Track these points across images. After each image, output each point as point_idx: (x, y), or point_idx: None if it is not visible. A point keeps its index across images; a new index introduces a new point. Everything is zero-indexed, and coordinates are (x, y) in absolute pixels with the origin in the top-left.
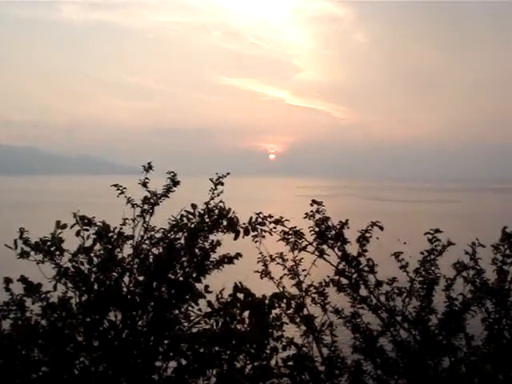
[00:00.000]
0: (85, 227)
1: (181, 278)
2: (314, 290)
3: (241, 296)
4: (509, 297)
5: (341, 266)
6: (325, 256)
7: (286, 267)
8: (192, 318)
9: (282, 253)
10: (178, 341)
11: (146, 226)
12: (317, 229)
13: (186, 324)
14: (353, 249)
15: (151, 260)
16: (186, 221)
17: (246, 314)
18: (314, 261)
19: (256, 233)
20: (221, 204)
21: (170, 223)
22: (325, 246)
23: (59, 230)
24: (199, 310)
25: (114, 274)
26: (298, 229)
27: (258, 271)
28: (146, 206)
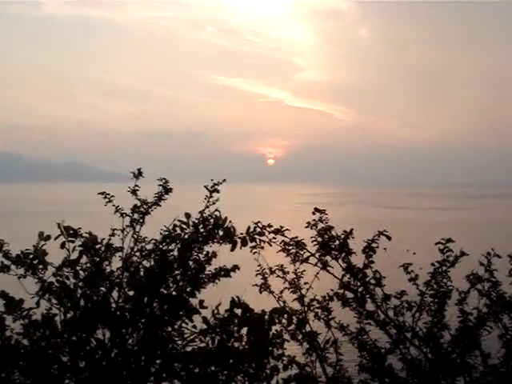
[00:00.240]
0: (70, 239)
1: (174, 293)
2: (317, 305)
3: (238, 311)
4: None
5: (345, 279)
6: (328, 268)
7: (286, 280)
8: (186, 336)
9: (282, 265)
10: (171, 360)
11: (136, 236)
12: (320, 239)
13: (179, 342)
14: (358, 260)
15: (142, 273)
16: (179, 231)
17: (244, 330)
18: (317, 273)
19: (254, 243)
20: (216, 213)
21: (161, 234)
22: (328, 258)
23: (42, 242)
24: (194, 326)
25: (102, 288)
26: (299, 239)
27: (256, 285)
28: (135, 216)
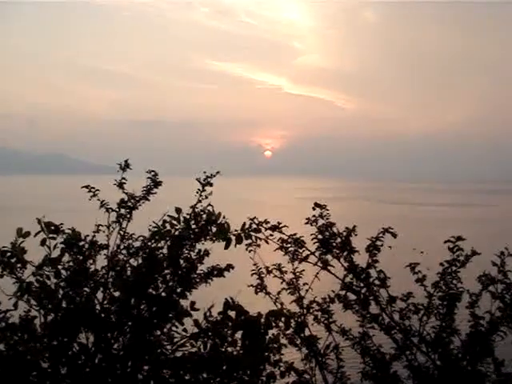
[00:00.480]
0: (51, 235)
1: (163, 294)
2: (317, 307)
3: (232, 314)
4: None
5: (348, 279)
6: (329, 268)
7: (284, 280)
8: (176, 340)
9: (279, 264)
10: (160, 366)
11: (122, 233)
12: (320, 236)
13: (169, 347)
14: (361, 259)
15: (129, 273)
16: (169, 227)
17: (239, 334)
18: (317, 273)
19: (250, 241)
20: (209, 208)
21: (150, 230)
22: (329, 256)
23: (21, 239)
24: (184, 330)
25: (86, 289)
26: (298, 236)
27: (252, 285)
28: (122, 211)
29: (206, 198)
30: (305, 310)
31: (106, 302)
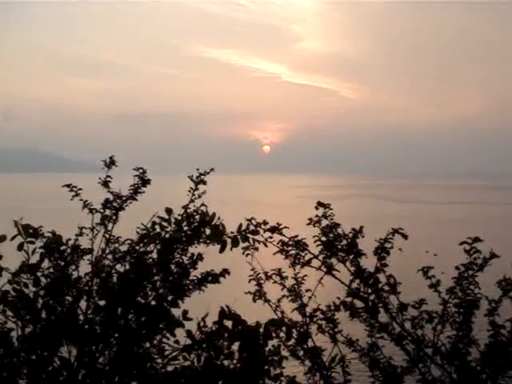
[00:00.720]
0: (30, 239)
1: (153, 302)
2: (321, 316)
3: (229, 324)
4: None
5: (354, 285)
6: (334, 272)
7: (285, 287)
8: (167, 353)
9: (280, 269)
10: (150, 382)
11: (107, 236)
12: (324, 238)
13: (159, 360)
14: (369, 263)
15: (115, 280)
16: (158, 229)
17: (236, 346)
18: (321, 278)
19: (247, 244)
20: (203, 208)
21: (138, 233)
22: (334, 260)
23: None
24: (176, 342)
25: (68, 298)
26: (299, 238)
27: (250, 292)
28: (107, 212)
29: (199, 197)
30: (308, 319)
31: (90, 312)
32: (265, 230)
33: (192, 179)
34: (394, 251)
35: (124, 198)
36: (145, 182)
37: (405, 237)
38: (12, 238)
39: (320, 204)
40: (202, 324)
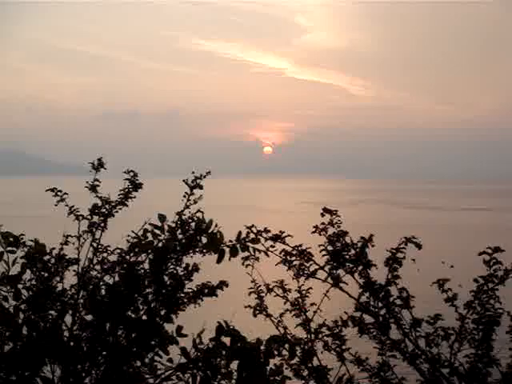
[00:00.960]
0: (10, 248)
1: (144, 317)
2: (327, 332)
3: (227, 340)
4: None
5: (364, 299)
6: (341, 285)
7: (288, 300)
8: (160, 372)
9: (282, 281)
10: None
11: (95, 245)
12: (330, 247)
13: (151, 380)
14: (380, 275)
15: (103, 292)
16: (151, 238)
17: (234, 365)
18: (327, 291)
19: (247, 253)
20: (199, 214)
21: (128, 241)
22: (341, 271)
23: None
24: (170, 360)
25: (51, 312)
26: (304, 247)
27: (250, 306)
28: (95, 218)
29: (195, 202)
30: (313, 336)
31: (75, 328)
32: (266, 239)
33: (187, 183)
34: (406, 262)
35: (113, 204)
36: (136, 186)
37: (418, 246)
38: None
39: (326, 210)
40: (197, 341)
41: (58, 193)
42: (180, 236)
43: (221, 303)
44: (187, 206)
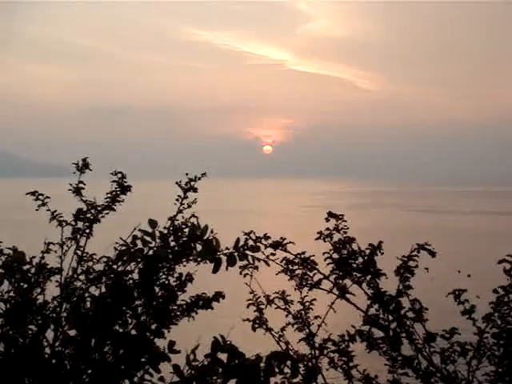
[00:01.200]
0: None
1: (133, 332)
2: (333, 348)
3: (223, 357)
4: None
5: (372, 311)
6: (348, 296)
7: (290, 313)
8: None
9: (284, 291)
10: None
11: (80, 253)
12: (336, 255)
13: None
14: (390, 285)
15: (88, 305)
16: (140, 245)
17: (232, 383)
18: (333, 303)
19: (245, 262)
20: (193, 220)
21: (116, 249)
22: (348, 281)
23: None
24: (161, 379)
25: (31, 327)
26: (307, 255)
27: (248, 319)
28: (80, 224)
29: (189, 206)
30: (317, 352)
31: (57, 344)
32: (266, 246)
33: (180, 185)
34: (419, 271)
35: (99, 208)
36: (124, 188)
37: (432, 254)
38: None
39: (331, 215)
40: (191, 357)
41: (40, 196)
42: (172, 243)
43: (217, 316)
44: (180, 211)
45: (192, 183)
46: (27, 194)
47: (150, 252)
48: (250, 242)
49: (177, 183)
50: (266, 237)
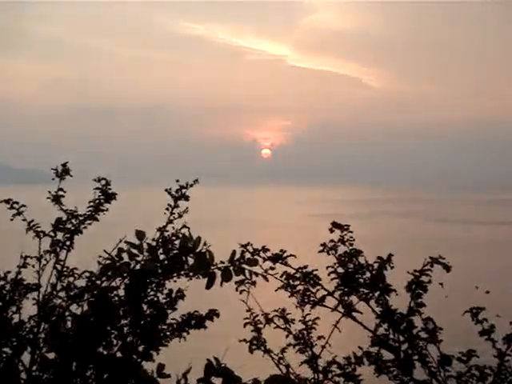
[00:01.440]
0: None
1: (119, 354)
2: (338, 371)
3: (218, 381)
4: None
5: (381, 331)
6: (354, 314)
7: (290, 333)
8: None
9: (284, 309)
10: None
11: (60, 267)
12: (341, 269)
13: None
14: (400, 302)
15: (69, 324)
16: (126, 259)
17: None
18: (337, 322)
19: (242, 277)
20: (184, 231)
21: (100, 263)
22: (354, 298)
23: None
24: None
25: (6, 349)
26: (310, 270)
27: (245, 340)
28: (59, 236)
29: (180, 216)
30: (320, 375)
31: (35, 368)
32: (265, 259)
33: (170, 193)
34: (432, 287)
35: (81, 218)
36: (108, 196)
37: (447, 268)
38: None
39: (336, 225)
40: (182, 382)
41: (14, 205)
42: (162, 256)
43: (210, 337)
44: (170, 221)
45: (183, 191)
46: (1, 201)
47: (137, 266)
48: (247, 255)
49: (166, 190)
50: (265, 249)
